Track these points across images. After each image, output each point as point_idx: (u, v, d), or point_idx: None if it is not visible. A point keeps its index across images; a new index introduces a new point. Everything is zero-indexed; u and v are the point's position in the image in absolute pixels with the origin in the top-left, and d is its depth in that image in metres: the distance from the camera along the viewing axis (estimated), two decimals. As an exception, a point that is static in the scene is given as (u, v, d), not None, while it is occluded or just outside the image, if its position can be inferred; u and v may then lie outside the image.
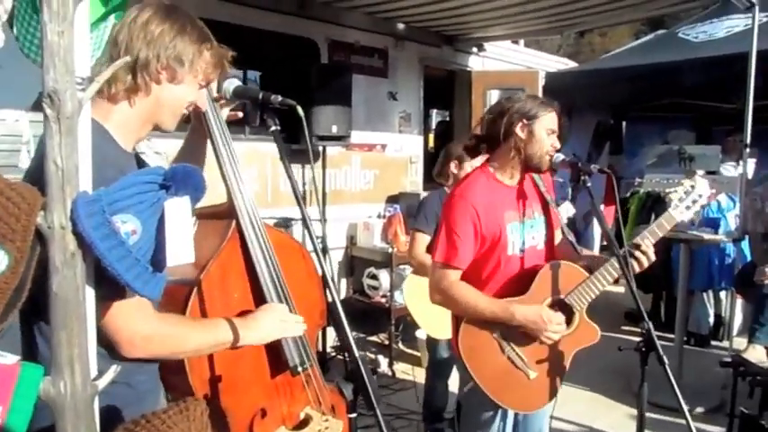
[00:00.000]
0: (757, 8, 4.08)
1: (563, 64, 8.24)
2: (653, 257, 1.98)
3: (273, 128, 1.30)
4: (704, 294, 5.13)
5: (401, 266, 4.65)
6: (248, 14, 4.47)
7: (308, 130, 1.38)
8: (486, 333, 1.99)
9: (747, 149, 4.20)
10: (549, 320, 1.93)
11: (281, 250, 1.56)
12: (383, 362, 4.48)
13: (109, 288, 0.97)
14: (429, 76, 6.23)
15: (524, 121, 2.01)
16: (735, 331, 4.84)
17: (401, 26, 5.62)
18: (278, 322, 1.46)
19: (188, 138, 1.56)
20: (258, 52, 4.63)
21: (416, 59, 5.97)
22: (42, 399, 0.87)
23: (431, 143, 8.13)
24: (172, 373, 1.38)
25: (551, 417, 2.27)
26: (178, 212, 0.94)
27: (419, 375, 3.49)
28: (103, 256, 0.87)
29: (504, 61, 7.02)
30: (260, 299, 1.51)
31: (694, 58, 5.24)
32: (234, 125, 1.59)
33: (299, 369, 1.56)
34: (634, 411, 2.06)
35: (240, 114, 1.59)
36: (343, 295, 5.27)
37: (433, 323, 3.17)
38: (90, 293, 0.92)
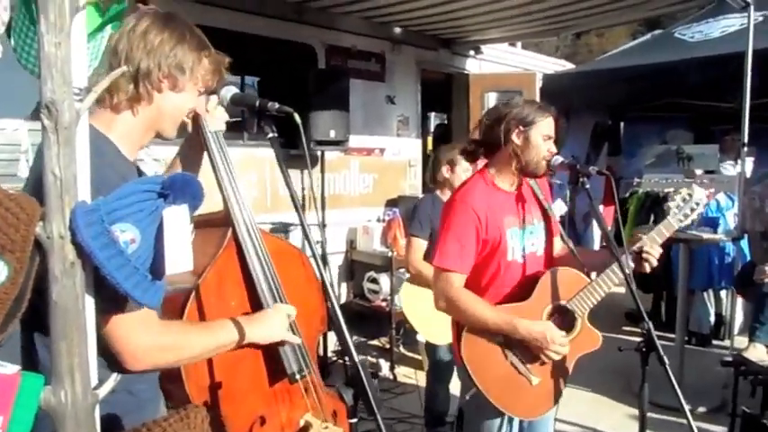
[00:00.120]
0: (752, 7, 4.09)
1: (560, 65, 8.26)
2: (655, 263, 1.99)
3: (271, 135, 1.31)
4: (704, 294, 5.13)
5: (401, 270, 4.65)
6: (246, 21, 4.49)
7: (305, 136, 1.38)
8: (489, 339, 1.99)
9: (745, 148, 4.22)
10: (552, 341, 1.92)
11: (279, 257, 1.56)
12: (384, 366, 4.48)
13: (108, 298, 0.97)
14: (426, 80, 6.24)
15: (521, 127, 2.02)
16: (736, 330, 4.84)
17: (398, 30, 5.64)
18: (285, 322, 1.46)
19: (183, 146, 1.56)
20: (256, 58, 4.64)
21: (413, 63, 5.99)
22: (43, 408, 0.87)
23: (429, 146, 8.14)
24: (169, 381, 1.38)
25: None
26: (176, 221, 0.94)
27: (421, 379, 3.50)
28: (102, 266, 0.87)
29: (502, 64, 7.03)
30: (257, 307, 1.51)
31: (691, 58, 5.26)
32: (232, 131, 1.60)
33: (297, 376, 1.55)
34: (636, 411, 2.07)
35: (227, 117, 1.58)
36: (343, 299, 5.27)
37: (432, 328, 3.17)
38: (90, 302, 0.92)
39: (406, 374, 4.33)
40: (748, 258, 4.45)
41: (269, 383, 1.56)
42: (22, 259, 0.84)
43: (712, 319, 5.17)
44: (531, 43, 9.62)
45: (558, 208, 5.09)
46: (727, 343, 4.96)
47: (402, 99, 5.87)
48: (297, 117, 1.28)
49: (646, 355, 1.83)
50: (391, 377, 4.34)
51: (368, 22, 5.31)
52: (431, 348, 3.25)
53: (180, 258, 0.95)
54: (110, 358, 1.09)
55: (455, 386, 3.25)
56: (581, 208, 6.26)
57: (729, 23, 5.43)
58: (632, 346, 1.90)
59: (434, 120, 9.60)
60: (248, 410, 1.52)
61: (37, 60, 0.88)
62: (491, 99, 6.30)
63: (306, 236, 1.29)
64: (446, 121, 8.04)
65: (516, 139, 2.02)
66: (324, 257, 1.35)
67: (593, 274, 2.08)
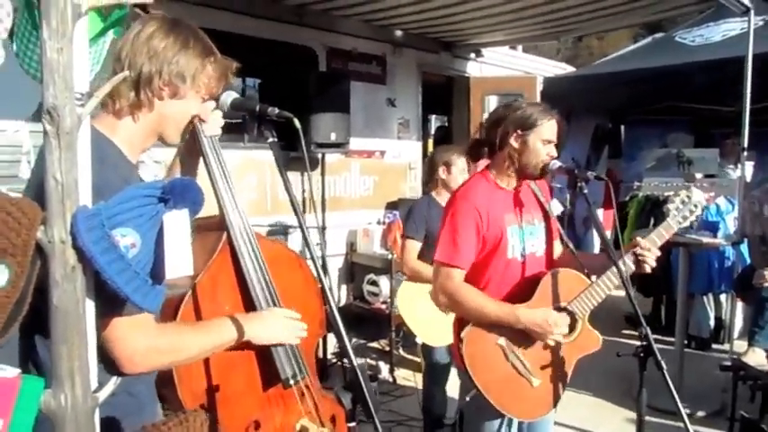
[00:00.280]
0: (753, 12, 4.10)
1: (561, 69, 8.27)
2: (653, 263, 2.00)
3: (271, 139, 1.31)
4: (704, 297, 5.13)
5: (401, 272, 4.66)
6: (248, 23, 4.50)
7: (306, 138, 1.39)
8: (490, 340, 1.99)
9: (745, 153, 4.22)
10: (554, 324, 1.93)
11: (276, 261, 1.56)
12: (384, 368, 4.48)
13: (107, 302, 0.98)
14: (427, 83, 6.25)
15: (518, 131, 2.03)
16: (735, 334, 4.84)
17: (399, 33, 5.65)
18: (284, 323, 1.46)
19: (180, 150, 1.56)
20: (257, 60, 4.65)
21: (414, 66, 6.00)
22: (43, 412, 0.87)
23: (430, 149, 8.15)
24: (162, 385, 1.38)
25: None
26: (177, 225, 0.95)
27: (420, 381, 3.50)
28: (103, 270, 0.88)
29: (502, 67, 7.04)
30: (252, 311, 1.50)
31: (691, 62, 5.27)
32: (232, 133, 1.60)
33: (291, 381, 1.54)
34: (636, 416, 2.07)
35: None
36: (343, 302, 5.27)
37: (428, 330, 3.18)
38: (90, 306, 0.92)
39: (405, 377, 4.33)
40: (748, 262, 4.46)
41: (263, 388, 1.56)
42: (24, 263, 0.85)
43: (712, 323, 5.17)
44: (531, 46, 9.63)
45: (555, 208, 5.09)
46: (726, 347, 4.96)
47: (403, 102, 5.88)
48: (297, 122, 1.28)
49: (644, 361, 1.83)
50: (391, 380, 4.34)
51: (369, 24, 5.32)
52: (427, 350, 3.25)
53: (180, 263, 0.96)
54: (107, 361, 1.10)
55: (452, 388, 3.25)
56: (581, 212, 6.26)
57: (730, 28, 5.44)
58: (632, 350, 1.90)
59: (435, 122, 9.61)
60: (242, 415, 1.52)
61: (39, 65, 0.89)
62: (492, 102, 6.31)
63: (305, 240, 1.29)
64: (447, 124, 8.05)
65: (514, 143, 2.04)
66: (323, 261, 1.35)
67: (593, 277, 2.09)
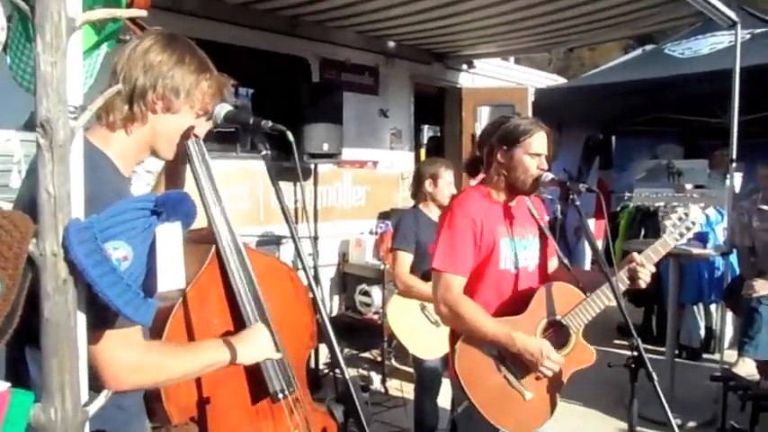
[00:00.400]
0: (739, 26, 4.17)
1: (552, 80, 8.34)
2: (648, 280, 2.01)
3: (264, 152, 1.32)
4: (695, 307, 5.17)
5: (393, 283, 4.66)
6: (241, 34, 4.51)
7: (299, 149, 1.39)
8: (483, 352, 1.99)
9: (734, 164, 4.27)
10: (547, 356, 1.93)
11: (266, 274, 1.55)
12: (376, 378, 4.47)
13: (99, 315, 0.97)
14: (420, 93, 6.28)
15: (504, 147, 2.05)
16: (726, 344, 4.87)
17: (391, 44, 5.68)
18: (269, 340, 1.44)
19: (166, 162, 1.55)
20: (251, 70, 4.66)
21: (407, 77, 6.03)
22: (33, 425, 0.87)
23: (422, 159, 8.18)
24: (149, 398, 1.37)
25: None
26: (169, 238, 0.95)
27: (412, 392, 3.49)
28: (95, 283, 0.88)
29: (494, 78, 7.10)
30: (241, 325, 1.50)
31: (681, 74, 5.33)
32: (225, 143, 1.60)
33: (280, 396, 1.53)
34: (627, 426, 2.08)
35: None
36: (335, 312, 5.26)
37: (418, 343, 3.17)
38: (81, 319, 0.92)
39: (397, 387, 4.31)
40: (737, 272, 4.50)
41: (251, 402, 1.54)
42: (15, 276, 0.85)
43: (702, 332, 5.20)
44: (523, 57, 9.71)
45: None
46: (717, 356, 4.98)
47: (395, 112, 5.91)
48: (290, 135, 1.29)
49: (635, 372, 1.84)
50: (382, 390, 4.33)
51: (362, 35, 5.35)
52: (418, 361, 3.24)
53: (172, 275, 0.96)
54: (91, 376, 1.09)
55: (444, 399, 3.24)
56: (572, 222, 6.30)
57: (718, 41, 5.52)
58: (623, 360, 1.91)
59: (427, 132, 9.65)
60: (230, 429, 1.50)
61: (32, 78, 0.89)
62: (483, 113, 6.35)
63: (297, 250, 1.29)
64: (439, 134, 8.09)
65: (501, 158, 2.06)
66: (315, 271, 1.35)
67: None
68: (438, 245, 2.07)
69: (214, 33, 4.15)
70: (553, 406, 2.07)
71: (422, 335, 3.15)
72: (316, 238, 4.69)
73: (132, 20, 1.31)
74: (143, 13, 1.02)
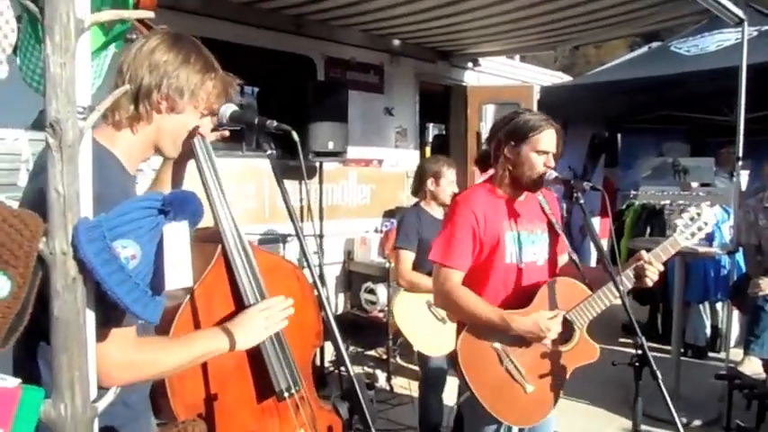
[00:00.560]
0: (746, 23, 4.14)
1: (557, 78, 8.32)
2: (656, 278, 2.00)
3: (270, 152, 1.32)
4: (700, 306, 5.15)
5: (397, 282, 4.66)
6: (247, 33, 4.53)
7: (304, 147, 1.40)
8: (486, 343, 2.00)
9: (740, 162, 4.25)
10: (545, 328, 1.93)
11: (272, 272, 1.56)
12: (381, 376, 4.48)
13: (106, 313, 0.99)
14: (425, 92, 6.28)
15: (512, 143, 2.05)
16: (732, 342, 4.85)
17: (396, 42, 5.68)
18: (263, 319, 1.42)
19: (164, 163, 1.54)
20: (256, 69, 4.68)
21: (412, 75, 6.03)
22: (43, 421, 0.88)
23: (428, 157, 8.18)
24: (156, 395, 1.38)
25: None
26: (176, 237, 0.96)
27: (417, 390, 3.50)
28: (104, 281, 0.89)
29: (500, 76, 7.09)
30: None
31: (687, 72, 5.31)
32: (231, 142, 1.60)
33: (286, 394, 1.53)
34: (631, 424, 2.08)
35: (227, 133, 1.56)
36: (340, 310, 5.27)
37: (425, 340, 3.18)
38: (90, 317, 0.94)
39: (402, 385, 4.33)
40: (743, 271, 4.48)
41: (257, 400, 1.55)
42: (25, 275, 0.86)
43: (708, 331, 5.19)
44: (528, 54, 9.68)
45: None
46: (723, 355, 4.97)
47: (400, 111, 5.91)
48: (295, 135, 1.29)
49: (639, 370, 1.84)
50: (388, 388, 4.34)
51: (367, 34, 5.36)
52: (424, 359, 3.25)
53: (180, 274, 0.97)
54: None
55: (449, 397, 3.26)
56: (577, 220, 6.28)
57: (724, 38, 5.49)
58: (628, 358, 1.91)
59: (432, 130, 9.64)
60: (236, 427, 1.51)
61: (41, 79, 0.90)
62: (489, 111, 6.35)
63: (303, 250, 1.30)
64: (444, 132, 8.09)
65: (508, 154, 2.06)
66: (320, 269, 1.36)
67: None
68: (439, 239, 2.10)
69: (219, 32, 4.17)
70: (555, 400, 2.08)
71: (428, 332, 3.16)
72: (321, 237, 4.71)
73: (139, 19, 1.31)
74: (150, 14, 1.03)
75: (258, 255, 1.55)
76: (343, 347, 1.26)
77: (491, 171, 2.21)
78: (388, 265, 4.58)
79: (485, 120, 6.33)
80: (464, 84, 6.59)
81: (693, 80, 5.21)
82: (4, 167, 3.21)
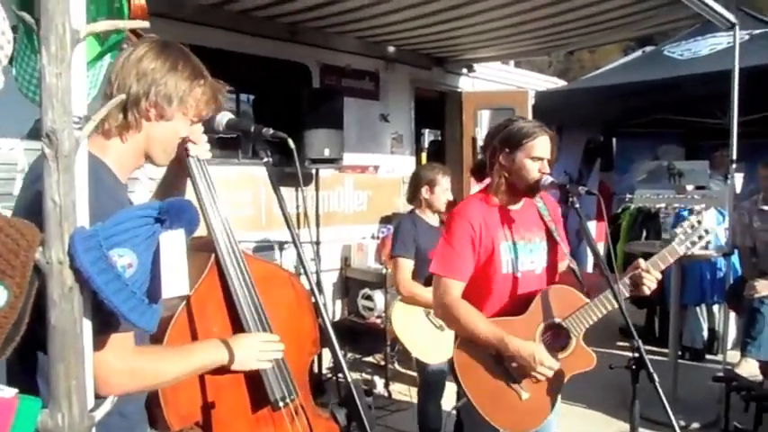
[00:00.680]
0: (738, 27, 4.18)
1: (552, 83, 8.36)
2: (653, 286, 2.00)
3: (266, 159, 1.33)
4: (697, 308, 5.16)
5: (395, 288, 4.66)
6: (242, 41, 4.54)
7: (300, 154, 1.40)
8: (481, 350, 2.00)
9: (734, 165, 4.27)
10: (539, 362, 1.93)
11: (267, 281, 1.55)
12: (379, 383, 4.47)
13: (103, 321, 0.99)
14: (420, 98, 6.30)
15: (506, 150, 2.05)
16: (729, 345, 4.86)
17: (392, 49, 5.70)
18: (260, 349, 1.44)
19: (167, 171, 1.54)
20: (251, 77, 4.69)
21: (407, 81, 6.05)
22: (40, 431, 0.88)
23: (423, 162, 8.19)
24: (152, 405, 1.37)
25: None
26: (173, 245, 0.97)
27: (415, 396, 3.50)
28: (100, 290, 0.89)
29: (494, 81, 7.11)
30: (240, 333, 1.49)
31: (680, 76, 5.35)
32: (227, 149, 1.60)
33: (281, 404, 1.52)
34: (629, 427, 2.08)
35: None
36: (338, 316, 5.27)
37: (423, 347, 3.17)
38: (87, 326, 0.94)
39: (400, 391, 4.32)
40: (739, 273, 4.50)
41: (252, 410, 1.53)
42: (22, 284, 0.86)
43: (705, 333, 5.20)
44: (523, 59, 9.73)
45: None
46: (720, 357, 4.98)
47: (396, 117, 5.93)
48: (291, 143, 1.30)
49: (636, 373, 1.84)
50: (386, 394, 4.33)
51: (362, 41, 5.38)
52: (422, 365, 3.25)
53: (176, 282, 0.97)
54: None
55: (447, 403, 3.25)
56: (573, 224, 6.30)
57: (717, 42, 5.54)
58: (626, 362, 1.91)
59: (428, 136, 9.67)
60: None
61: (37, 89, 0.91)
62: (484, 116, 6.37)
63: (300, 257, 1.31)
64: (440, 138, 8.10)
65: (503, 161, 2.07)
66: (317, 276, 1.36)
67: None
68: (437, 250, 2.11)
69: (215, 40, 4.18)
70: (551, 407, 2.07)
71: (426, 339, 3.16)
72: (318, 243, 4.71)
73: (134, 31, 1.32)
74: (146, 24, 1.03)
75: (252, 263, 1.54)
76: (340, 354, 1.26)
77: (487, 180, 2.22)
78: (385, 271, 4.58)
79: (480, 125, 6.36)
80: (459, 90, 6.62)
81: (687, 84, 5.25)
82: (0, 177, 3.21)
